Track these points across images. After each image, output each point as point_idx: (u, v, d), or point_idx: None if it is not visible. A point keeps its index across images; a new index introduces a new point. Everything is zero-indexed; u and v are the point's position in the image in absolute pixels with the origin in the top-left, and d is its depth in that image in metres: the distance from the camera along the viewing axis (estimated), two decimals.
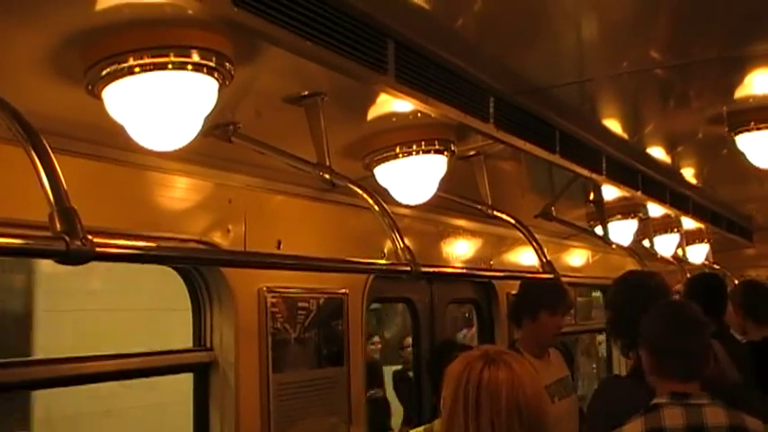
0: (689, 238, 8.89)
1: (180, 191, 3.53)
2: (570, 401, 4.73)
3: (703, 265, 9.60)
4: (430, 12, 3.08)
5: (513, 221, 5.03)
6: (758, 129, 4.57)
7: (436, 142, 3.96)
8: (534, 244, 5.09)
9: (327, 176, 3.57)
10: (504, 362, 2.37)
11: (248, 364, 3.80)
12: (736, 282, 8.96)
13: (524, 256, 6.16)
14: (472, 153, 4.63)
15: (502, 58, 3.69)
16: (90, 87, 2.63)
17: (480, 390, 2.32)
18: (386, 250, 3.89)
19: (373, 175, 4.02)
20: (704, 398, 2.99)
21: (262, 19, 2.48)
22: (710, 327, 3.17)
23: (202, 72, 2.63)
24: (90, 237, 2.21)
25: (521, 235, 5.18)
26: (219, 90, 2.75)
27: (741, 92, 4.35)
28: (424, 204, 4.40)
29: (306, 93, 3.28)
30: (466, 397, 2.32)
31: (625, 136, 5.25)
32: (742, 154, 4.81)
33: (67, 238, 2.17)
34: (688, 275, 7.99)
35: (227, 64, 2.68)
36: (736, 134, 4.67)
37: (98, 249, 2.23)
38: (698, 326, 3.11)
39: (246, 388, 3.78)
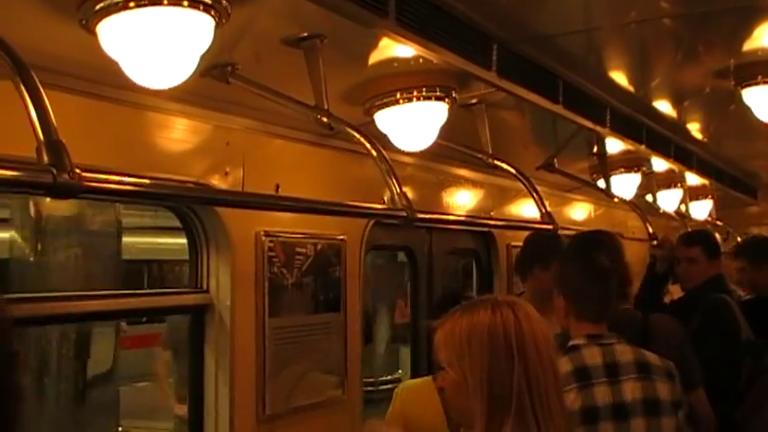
0: (692, 193, 8.85)
1: (177, 132, 3.51)
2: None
3: (706, 221, 9.57)
4: None
5: (514, 171, 4.99)
6: (765, 83, 4.51)
7: (437, 89, 3.91)
8: (535, 195, 5.05)
9: (326, 120, 3.54)
10: (527, 311, 2.30)
11: (244, 307, 3.80)
12: (739, 239, 8.97)
13: (525, 208, 6.13)
14: (474, 101, 4.58)
15: (506, 4, 3.63)
16: (84, 22, 2.59)
17: (524, 337, 2.22)
18: (385, 198, 3.87)
19: (373, 121, 3.99)
20: (613, 337, 3.37)
21: None
22: (615, 276, 3.58)
23: (198, 9, 2.59)
24: (78, 170, 2.18)
25: (522, 186, 5.14)
26: (216, 28, 2.71)
27: (750, 44, 4.28)
28: (425, 152, 4.37)
29: (305, 35, 3.22)
30: (509, 345, 2.21)
31: (631, 88, 5.19)
32: (748, 109, 4.75)
33: (55, 171, 2.14)
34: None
35: (224, 1, 2.64)
36: (742, 88, 4.61)
37: (87, 184, 2.21)
38: (606, 276, 3.49)
39: (242, 331, 3.79)
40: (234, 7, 2.70)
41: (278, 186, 3.87)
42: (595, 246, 4.27)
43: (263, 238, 3.87)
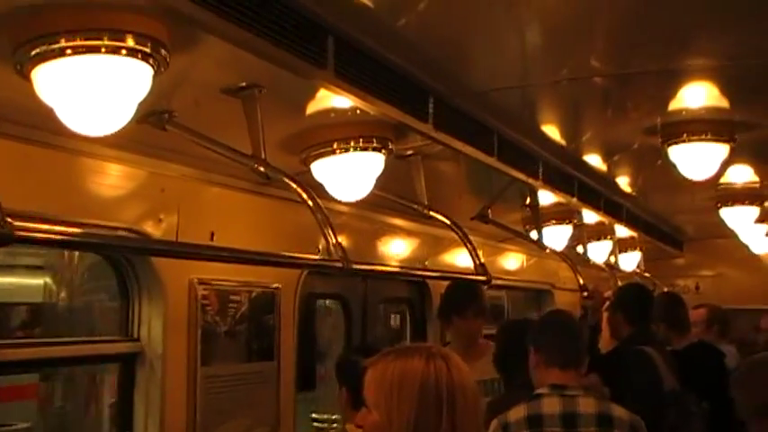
0: (621, 245, 9.03)
1: (112, 178, 3.48)
2: None
3: (634, 273, 9.76)
4: (372, 9, 3.06)
5: (448, 222, 5.05)
6: (690, 141, 4.65)
7: (374, 140, 3.96)
8: (468, 246, 5.12)
9: (262, 169, 3.55)
10: (459, 363, 2.32)
11: (176, 356, 3.75)
12: (665, 289, 9.16)
13: (460, 258, 6.19)
14: (410, 152, 4.63)
15: (443, 59, 3.69)
16: (18, 67, 2.56)
17: (455, 391, 2.23)
18: (320, 247, 3.87)
19: (310, 170, 4.00)
20: (578, 389, 3.48)
21: (200, 7, 2.44)
22: (583, 331, 3.89)
23: (137, 57, 2.58)
24: (9, 219, 2.15)
25: (456, 236, 5.20)
26: (154, 77, 2.70)
27: (675, 104, 4.42)
28: (361, 202, 4.39)
29: (243, 84, 3.24)
30: (439, 397, 2.22)
31: (563, 142, 5.31)
32: (675, 165, 4.89)
33: None
34: (619, 283, 8.14)
35: (163, 51, 2.64)
36: (669, 145, 4.74)
37: (19, 233, 2.18)
38: (572, 329, 3.70)
39: (173, 381, 3.74)
40: (173, 55, 2.71)
41: (213, 234, 3.86)
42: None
43: (197, 285, 3.84)
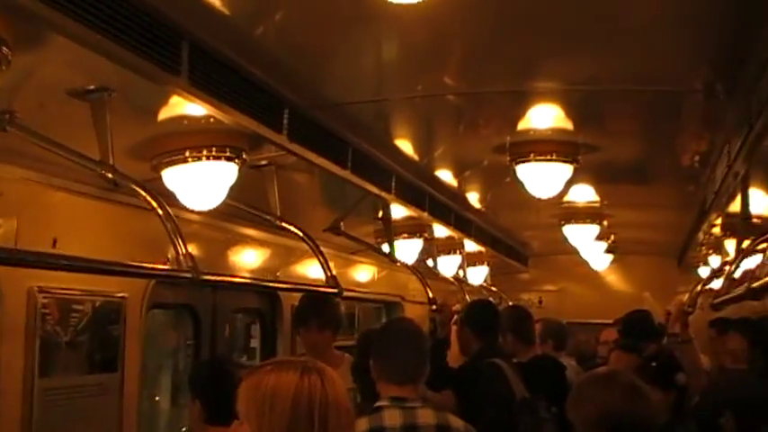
0: (470, 259, 9.26)
1: None
2: None
3: (482, 286, 10.02)
4: (229, 17, 3.03)
5: (300, 234, 5.04)
6: (537, 160, 4.82)
7: (228, 149, 3.90)
8: (320, 258, 5.12)
9: (110, 175, 3.44)
10: (334, 378, 2.31)
11: (11, 367, 3.58)
12: (510, 303, 9.44)
13: (311, 269, 6.19)
14: (264, 163, 4.60)
15: (300, 70, 3.69)
16: None
17: (328, 406, 2.21)
18: (170, 256, 3.79)
19: (161, 178, 3.91)
20: (417, 401, 3.55)
21: (46, 5, 2.34)
22: (426, 340, 3.84)
23: None
24: None
25: (309, 248, 5.20)
26: None
27: (523, 124, 4.59)
28: (213, 211, 4.32)
29: (92, 87, 3.13)
30: (311, 413, 2.19)
31: (416, 157, 5.40)
32: (522, 183, 5.05)
33: None
34: (467, 296, 8.35)
35: (5, 48, 2.52)
36: (517, 164, 4.90)
37: None
38: (411, 341, 3.68)
39: (8, 393, 3.56)
40: (16, 54, 2.59)
41: (55, 241, 3.70)
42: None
43: (37, 294, 3.67)
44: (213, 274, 4.35)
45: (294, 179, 5.04)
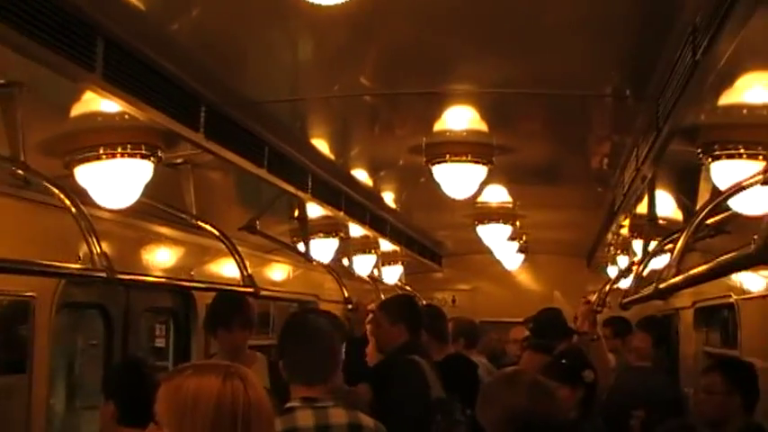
0: (385, 259, 9.32)
1: None
2: None
3: (396, 285, 10.10)
4: (144, 13, 3.00)
5: (216, 233, 5.01)
6: (452, 161, 4.88)
7: (143, 147, 3.86)
8: (236, 257, 5.09)
9: (21, 172, 3.37)
10: (255, 382, 2.29)
11: None
12: (424, 302, 9.55)
13: (227, 268, 6.15)
14: (180, 161, 4.56)
15: (217, 68, 3.67)
16: None
17: (251, 411, 2.18)
18: (82, 254, 3.72)
19: (73, 175, 3.84)
20: (329, 401, 3.55)
21: None
22: (333, 337, 3.75)
23: None
24: None
25: (224, 247, 5.17)
26: None
27: (439, 126, 4.64)
28: (127, 209, 4.27)
29: (2, 82, 3.07)
30: (235, 418, 2.16)
31: (332, 157, 5.42)
32: (437, 184, 5.11)
33: None
34: (382, 295, 8.40)
35: None
36: (432, 165, 4.96)
37: None
38: (318, 337, 3.64)
39: None
40: None
41: None
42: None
43: None
44: (128, 274, 4.29)
45: (210, 177, 5.00)
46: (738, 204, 3.57)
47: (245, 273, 5.10)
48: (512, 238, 8.55)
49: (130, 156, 3.83)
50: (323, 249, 7.09)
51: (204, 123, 3.85)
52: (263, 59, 3.69)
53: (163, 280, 5.51)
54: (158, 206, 4.73)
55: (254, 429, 2.20)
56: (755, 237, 1.78)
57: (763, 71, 2.78)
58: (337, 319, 5.06)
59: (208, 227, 4.95)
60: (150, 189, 4.10)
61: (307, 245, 6.63)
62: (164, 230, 5.58)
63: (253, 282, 5.11)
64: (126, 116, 3.54)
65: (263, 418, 2.25)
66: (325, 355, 3.65)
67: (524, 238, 9.46)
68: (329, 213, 6.29)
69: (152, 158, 3.92)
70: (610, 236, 7.49)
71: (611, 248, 8.23)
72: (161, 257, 5.62)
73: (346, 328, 5.69)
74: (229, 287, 5.34)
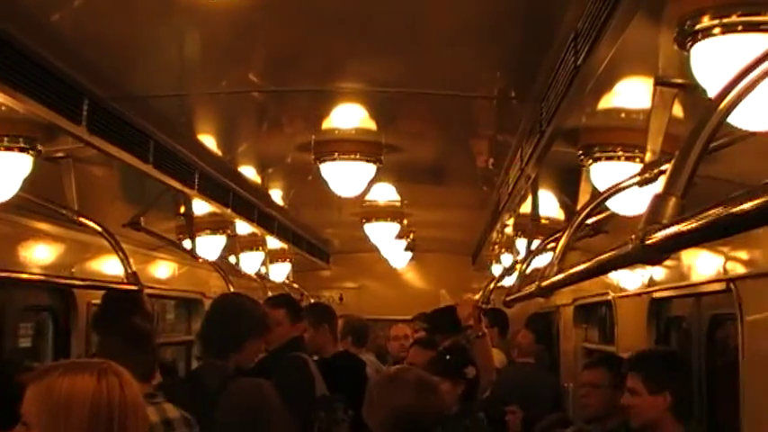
0: (272, 256, 9.27)
1: None
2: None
3: (284, 283, 10.06)
4: (25, 1, 2.90)
5: (99, 229, 4.88)
6: (340, 159, 4.90)
7: (21, 140, 3.74)
8: (120, 253, 4.98)
9: None
10: (130, 380, 2.24)
11: None
12: (312, 300, 9.55)
13: (110, 265, 6.00)
14: (61, 155, 4.42)
15: (100, 61, 3.58)
16: None
17: (127, 409, 2.16)
18: None
19: None
20: (161, 397, 3.67)
21: None
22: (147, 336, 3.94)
23: None
24: None
25: (108, 243, 5.05)
26: None
27: (327, 124, 4.65)
28: (4, 204, 4.11)
29: None
30: (111, 416, 2.12)
31: (220, 153, 5.36)
32: (325, 181, 5.12)
33: None
34: (269, 293, 8.35)
35: None
36: (321, 162, 4.96)
37: None
38: (136, 339, 3.80)
39: None
40: None
41: None
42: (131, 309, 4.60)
43: None
44: (4, 271, 4.15)
45: (93, 172, 4.87)
46: (616, 205, 3.69)
47: (128, 270, 5.00)
48: (399, 237, 8.63)
49: (7, 149, 3.72)
50: (209, 246, 7.00)
51: (87, 117, 3.75)
52: (149, 53, 3.61)
53: (40, 277, 5.32)
54: (38, 201, 4.58)
55: (131, 428, 2.17)
56: (632, 236, 1.85)
57: (640, 77, 2.88)
58: None
59: (90, 223, 4.82)
60: (29, 183, 3.98)
61: (193, 242, 6.53)
62: (43, 226, 5.40)
63: (137, 279, 5.01)
64: (3, 108, 3.41)
65: (138, 415, 2.22)
66: (147, 352, 3.79)
67: (411, 236, 9.57)
68: (216, 210, 6.22)
69: (31, 152, 3.80)
70: (495, 235, 7.65)
71: (496, 247, 8.40)
72: (39, 254, 5.44)
73: None
74: (112, 285, 5.21)
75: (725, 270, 3.93)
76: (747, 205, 1.34)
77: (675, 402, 3.79)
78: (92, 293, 5.70)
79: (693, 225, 1.54)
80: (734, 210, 1.39)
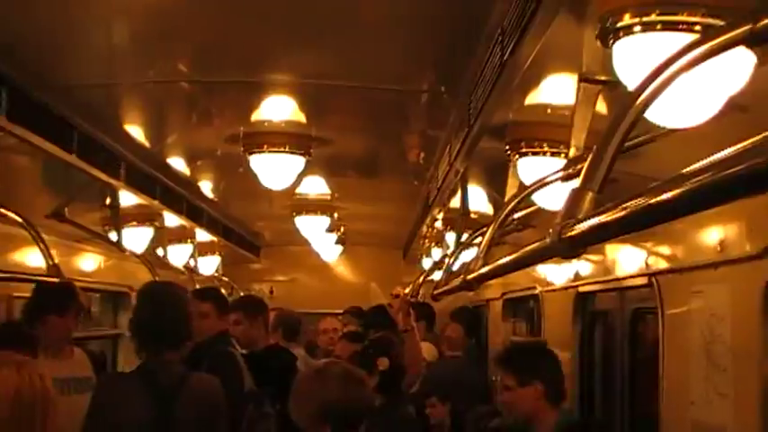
0: (201, 249, 9.18)
1: None
2: (86, 398, 4.67)
3: (213, 276, 9.97)
4: None
5: (20, 220, 4.77)
6: (270, 152, 4.87)
7: None
8: (41, 245, 4.87)
9: None
10: (43, 370, 2.23)
11: None
12: (242, 293, 9.47)
13: (33, 257, 5.86)
14: None
15: (22, 48, 3.49)
16: None
17: (47, 400, 2.16)
18: None
19: None
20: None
21: None
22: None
23: None
24: None
25: (29, 235, 4.93)
26: None
27: (257, 116, 4.62)
28: None
29: None
30: (32, 409, 2.12)
31: (147, 144, 5.28)
32: (255, 174, 5.09)
33: None
34: (197, 285, 8.26)
35: None
36: (250, 154, 4.93)
37: None
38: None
39: None
40: None
41: None
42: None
43: None
44: None
45: (14, 162, 4.75)
46: (541, 199, 3.74)
47: (50, 262, 4.89)
48: (330, 230, 8.63)
49: None
50: (136, 238, 6.90)
51: (6, 105, 3.65)
52: (73, 42, 3.54)
53: None
54: None
55: (51, 417, 2.17)
56: (550, 230, 1.88)
57: (565, 73, 2.92)
58: None
59: (10, 213, 4.71)
60: None
61: (119, 234, 6.43)
62: None
63: (59, 271, 4.91)
64: None
65: (55, 404, 2.23)
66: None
67: (342, 229, 9.57)
68: (143, 202, 6.13)
69: None
70: (425, 228, 7.69)
71: (426, 241, 8.45)
72: None
73: None
74: (32, 277, 5.09)
75: (647, 265, 4.01)
76: (661, 197, 1.37)
77: (547, 390, 3.86)
78: (13, 287, 5.57)
79: (609, 218, 1.57)
80: (650, 202, 1.41)
